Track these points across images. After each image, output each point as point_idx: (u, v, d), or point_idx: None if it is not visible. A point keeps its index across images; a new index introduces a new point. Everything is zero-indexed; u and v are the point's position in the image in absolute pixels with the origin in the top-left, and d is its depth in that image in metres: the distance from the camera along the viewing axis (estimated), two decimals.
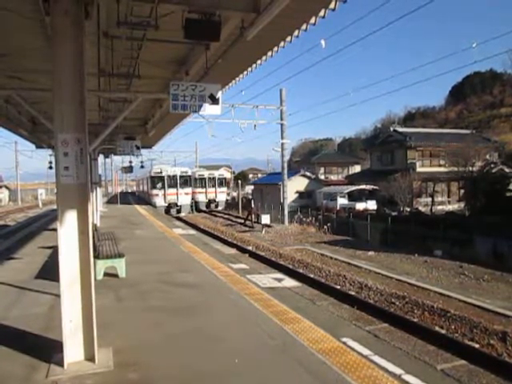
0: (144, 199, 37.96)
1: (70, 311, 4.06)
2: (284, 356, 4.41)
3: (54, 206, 34.27)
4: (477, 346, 7.68)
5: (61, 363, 4.01)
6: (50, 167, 23.12)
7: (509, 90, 60.75)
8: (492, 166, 30.67)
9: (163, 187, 31.86)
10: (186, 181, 32.81)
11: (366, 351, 4.43)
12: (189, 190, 33.08)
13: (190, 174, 33.77)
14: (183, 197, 32.46)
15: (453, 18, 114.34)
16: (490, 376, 3.92)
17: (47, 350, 4.39)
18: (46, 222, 21.70)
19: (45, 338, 4.84)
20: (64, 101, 4.02)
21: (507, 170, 31.56)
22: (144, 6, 5.03)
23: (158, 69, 8.48)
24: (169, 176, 32.36)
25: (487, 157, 32.82)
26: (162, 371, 4.09)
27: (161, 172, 32.62)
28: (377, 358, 4.25)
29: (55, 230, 4.14)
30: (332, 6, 5.57)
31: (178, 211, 32.13)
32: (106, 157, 30.44)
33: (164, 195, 31.79)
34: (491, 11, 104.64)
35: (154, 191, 32.05)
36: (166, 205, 31.77)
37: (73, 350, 4.07)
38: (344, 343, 4.66)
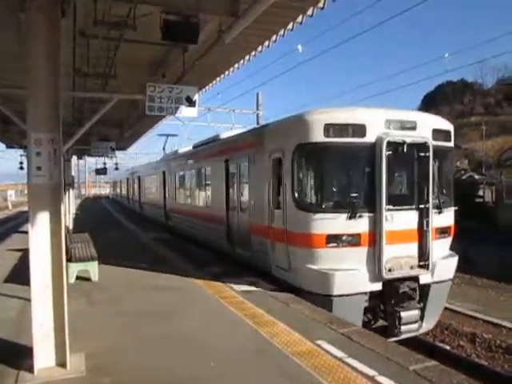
0: (219, 244, 10.85)
1: (41, 315, 3.96)
2: (259, 359, 4.42)
3: (24, 208, 33.41)
4: (448, 347, 7.90)
5: (31, 369, 3.91)
6: (21, 168, 22.36)
7: (478, 99, 62.64)
8: (462, 172, 31.54)
9: (379, 200, 6.31)
10: (445, 167, 7.71)
11: (340, 353, 4.48)
12: (451, 214, 7.47)
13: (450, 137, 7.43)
14: (440, 244, 7.09)
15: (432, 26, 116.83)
16: (460, 376, 4.03)
17: (16, 356, 4.26)
18: (16, 224, 21.08)
19: (14, 343, 4.70)
20: (38, 99, 3.96)
21: (476, 176, 32.50)
22: (122, 5, 5.00)
23: (135, 70, 8.41)
24: (397, 146, 6.39)
25: (458, 164, 33.76)
26: (136, 375, 4.04)
27: (363, 129, 6.39)
28: (351, 360, 4.30)
29: (25, 232, 4.05)
30: (310, 12, 5.66)
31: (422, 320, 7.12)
32: (80, 158, 29.82)
33: (378, 242, 6.34)
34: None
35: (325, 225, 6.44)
36: (379, 287, 6.56)
37: (43, 356, 3.97)
38: (318, 346, 4.70)
